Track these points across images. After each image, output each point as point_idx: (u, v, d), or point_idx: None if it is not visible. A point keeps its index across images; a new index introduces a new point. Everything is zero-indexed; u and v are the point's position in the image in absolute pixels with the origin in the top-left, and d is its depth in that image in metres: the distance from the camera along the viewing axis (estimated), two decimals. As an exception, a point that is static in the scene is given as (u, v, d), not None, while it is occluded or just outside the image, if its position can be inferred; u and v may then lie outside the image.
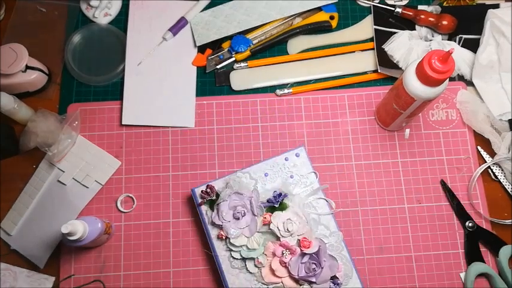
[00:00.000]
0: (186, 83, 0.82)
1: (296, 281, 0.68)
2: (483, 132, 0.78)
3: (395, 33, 0.84)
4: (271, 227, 0.69)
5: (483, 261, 0.73)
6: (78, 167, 0.76)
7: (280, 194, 0.70)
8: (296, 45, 0.85)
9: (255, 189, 0.71)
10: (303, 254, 0.67)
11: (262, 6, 0.84)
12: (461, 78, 0.82)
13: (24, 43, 0.76)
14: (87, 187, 0.76)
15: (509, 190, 0.77)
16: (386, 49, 0.83)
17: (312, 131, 0.79)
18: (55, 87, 0.82)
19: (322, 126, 0.80)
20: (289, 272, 0.67)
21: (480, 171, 0.77)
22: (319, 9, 0.85)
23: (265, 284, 0.68)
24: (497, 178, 0.77)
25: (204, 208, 0.71)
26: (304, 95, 0.81)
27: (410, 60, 0.82)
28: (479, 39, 0.83)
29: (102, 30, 0.84)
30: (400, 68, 0.82)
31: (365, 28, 0.85)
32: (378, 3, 0.86)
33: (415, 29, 0.85)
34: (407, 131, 0.79)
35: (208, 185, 0.71)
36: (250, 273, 0.69)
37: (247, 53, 0.82)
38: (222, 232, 0.69)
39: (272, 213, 0.70)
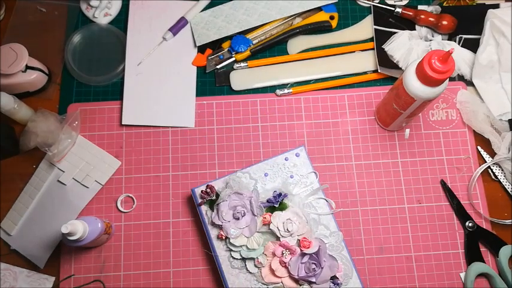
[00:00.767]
0: (186, 83, 0.82)
1: (296, 281, 0.68)
2: (483, 132, 0.78)
3: (395, 33, 0.84)
4: (271, 227, 0.69)
5: (483, 261, 0.73)
6: (78, 167, 0.76)
7: (280, 194, 0.70)
8: (296, 45, 0.85)
9: (254, 189, 0.71)
10: (303, 254, 0.67)
11: (262, 6, 0.84)
12: (461, 78, 0.82)
13: (24, 43, 0.76)
14: (87, 187, 0.76)
15: (509, 190, 0.77)
16: (386, 49, 0.83)
17: (312, 131, 0.79)
18: (55, 87, 0.82)
19: (322, 126, 0.80)
20: (289, 272, 0.67)
21: (480, 171, 0.77)
22: (319, 9, 0.85)
23: (265, 284, 0.68)
24: (497, 178, 0.77)
25: (204, 208, 0.71)
26: (304, 95, 0.81)
27: (410, 60, 0.82)
28: (479, 39, 0.83)
29: (102, 30, 0.84)
30: (400, 68, 0.82)
31: (365, 28, 0.85)
32: (378, 3, 0.86)
33: (415, 29, 0.85)
34: (408, 131, 0.79)
35: (208, 185, 0.71)
36: (250, 273, 0.69)
37: (247, 53, 0.82)
38: (221, 232, 0.69)
39: (272, 213, 0.70)
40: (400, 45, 0.83)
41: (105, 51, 0.83)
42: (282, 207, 0.70)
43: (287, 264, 0.67)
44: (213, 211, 0.70)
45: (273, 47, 0.84)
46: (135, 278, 0.73)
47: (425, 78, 0.62)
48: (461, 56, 0.83)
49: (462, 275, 0.73)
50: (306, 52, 0.84)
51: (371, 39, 0.84)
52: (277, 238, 0.69)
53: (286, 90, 0.81)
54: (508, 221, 0.75)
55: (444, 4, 0.87)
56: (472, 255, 0.73)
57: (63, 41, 0.83)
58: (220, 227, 0.70)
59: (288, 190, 0.71)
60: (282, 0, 0.84)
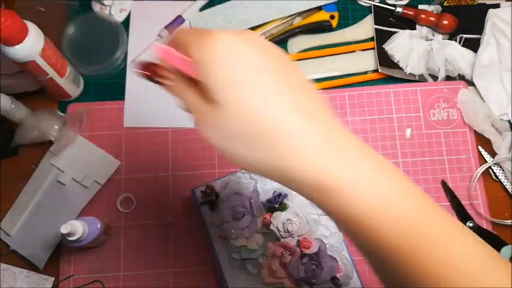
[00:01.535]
0: (186, 83, 0.81)
1: (296, 282, 0.67)
2: (484, 132, 0.78)
3: (395, 32, 0.84)
4: (271, 228, 0.69)
5: (484, 262, 0.73)
6: (78, 167, 0.76)
7: (280, 194, 0.70)
8: (296, 44, 0.84)
9: (254, 190, 0.71)
10: (303, 255, 0.67)
11: (262, 5, 0.84)
12: (462, 77, 0.82)
13: (24, 43, 0.76)
14: (86, 187, 0.75)
15: (510, 190, 0.76)
16: (386, 49, 0.83)
17: (312, 131, 0.79)
18: (54, 87, 0.81)
19: (323, 126, 0.79)
20: (289, 273, 0.67)
21: (481, 172, 0.77)
22: (319, 8, 0.85)
23: (265, 285, 0.68)
24: (498, 178, 0.77)
25: (204, 208, 0.71)
26: (305, 94, 0.81)
27: (410, 59, 0.82)
28: (480, 39, 0.83)
29: (96, 18, 0.83)
30: (401, 68, 0.81)
31: (365, 28, 0.85)
32: (379, 2, 0.86)
33: (415, 29, 0.85)
34: (409, 130, 0.79)
35: (208, 185, 0.71)
36: (251, 274, 0.69)
37: (247, 52, 0.82)
38: (221, 233, 0.69)
39: (272, 213, 0.69)
40: (400, 44, 0.83)
41: (99, 40, 0.82)
42: (282, 207, 0.70)
43: (287, 265, 0.67)
44: (213, 211, 0.70)
45: (273, 47, 0.84)
46: (135, 278, 0.73)
47: None
48: (462, 56, 0.82)
49: (463, 275, 0.73)
50: (306, 52, 0.84)
51: (371, 39, 0.84)
52: (278, 239, 0.69)
53: (286, 90, 0.80)
54: (508, 222, 0.75)
55: (445, 4, 0.86)
56: (473, 256, 0.73)
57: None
58: (220, 228, 0.69)
59: (287, 190, 0.71)
60: (282, 0, 0.84)
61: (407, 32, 0.84)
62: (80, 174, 0.76)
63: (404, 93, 0.81)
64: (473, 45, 0.83)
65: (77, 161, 0.77)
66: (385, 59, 0.82)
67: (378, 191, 0.35)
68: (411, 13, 0.84)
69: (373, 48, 0.83)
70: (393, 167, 0.37)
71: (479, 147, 0.78)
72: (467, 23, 0.84)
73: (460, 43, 0.83)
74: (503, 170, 0.77)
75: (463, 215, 0.75)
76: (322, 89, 0.81)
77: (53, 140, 0.74)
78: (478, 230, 0.74)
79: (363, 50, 0.84)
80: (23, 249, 0.74)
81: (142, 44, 0.83)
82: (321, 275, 0.66)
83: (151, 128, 0.79)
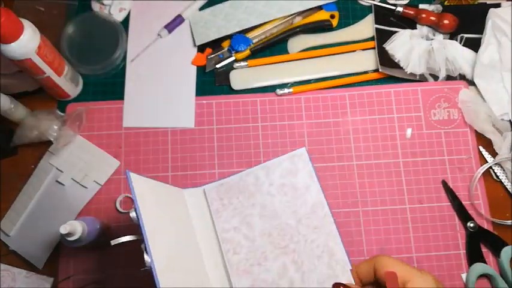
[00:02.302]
0: (185, 83, 0.81)
1: None
2: (485, 132, 0.77)
3: (396, 32, 0.84)
4: None
5: (485, 262, 0.72)
6: (77, 167, 0.76)
7: None
8: (296, 44, 0.84)
9: None
10: None
11: (262, 5, 0.84)
12: (462, 77, 0.82)
13: (23, 42, 0.76)
14: (85, 187, 0.75)
15: (510, 190, 0.76)
16: (387, 48, 0.83)
17: (312, 130, 0.79)
18: (54, 87, 0.81)
19: (323, 126, 0.79)
20: None
21: (482, 172, 0.76)
22: (319, 8, 0.85)
23: None
24: (499, 178, 0.77)
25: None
26: (305, 94, 0.81)
27: (411, 59, 0.82)
28: (480, 38, 0.83)
29: (96, 18, 0.83)
30: (401, 67, 0.81)
31: (366, 27, 0.85)
32: (379, 2, 0.85)
33: (416, 28, 0.84)
34: (409, 130, 0.79)
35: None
36: None
37: (247, 52, 0.82)
38: None
39: None
40: (401, 44, 0.83)
41: (98, 39, 0.82)
42: None
43: None
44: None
45: (273, 46, 0.84)
46: (135, 278, 0.72)
47: None
48: (462, 56, 0.82)
49: (463, 275, 0.73)
50: (306, 51, 0.84)
51: (372, 39, 0.84)
52: None
53: (286, 90, 0.80)
54: (509, 222, 0.74)
55: (445, 3, 0.86)
56: (474, 256, 0.73)
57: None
58: None
59: None
60: (282, -1, 0.84)
61: (407, 31, 0.84)
62: (79, 174, 0.76)
63: (405, 93, 0.81)
64: (474, 45, 0.83)
65: (76, 161, 0.76)
66: (385, 59, 0.82)
67: None
68: (412, 12, 0.83)
69: (374, 48, 0.83)
70: None
71: (480, 147, 0.78)
72: (468, 23, 0.84)
73: (460, 43, 0.83)
74: (504, 170, 0.77)
75: (463, 215, 0.75)
76: (323, 88, 0.81)
77: (52, 139, 0.74)
78: (479, 231, 0.74)
79: (364, 49, 0.84)
80: (22, 250, 0.73)
81: (142, 44, 0.83)
82: None
83: (150, 128, 0.79)
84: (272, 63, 0.83)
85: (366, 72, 0.83)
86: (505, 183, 0.77)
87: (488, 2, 0.86)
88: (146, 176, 0.77)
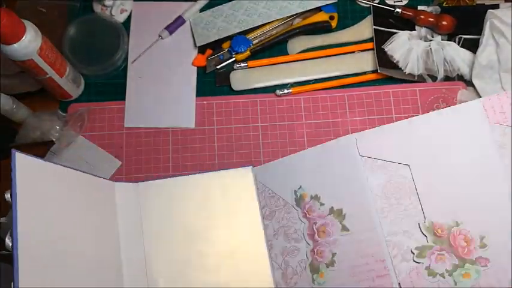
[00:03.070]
0: (186, 84, 0.82)
1: None
2: (483, 132, 0.78)
3: (395, 33, 0.84)
4: None
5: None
6: (79, 167, 0.76)
7: None
8: (296, 45, 0.85)
9: None
10: None
11: (262, 6, 0.84)
12: (461, 78, 0.82)
13: (25, 43, 0.76)
14: (87, 187, 0.76)
15: (508, 190, 0.77)
16: (386, 49, 0.83)
17: (312, 131, 0.79)
18: (55, 88, 0.82)
19: (322, 126, 0.80)
20: None
21: (480, 171, 0.77)
22: (319, 9, 0.85)
23: None
24: (497, 178, 0.77)
25: None
26: (304, 95, 0.81)
27: (409, 60, 0.82)
28: (479, 39, 0.83)
29: (98, 19, 0.84)
30: (400, 68, 0.82)
31: (365, 28, 0.86)
32: (378, 3, 0.86)
33: (414, 29, 0.85)
34: (407, 131, 0.79)
35: None
36: None
37: (247, 53, 0.83)
38: None
39: None
40: (399, 45, 0.83)
41: (100, 40, 0.83)
42: None
43: None
44: None
45: (273, 47, 0.84)
46: (136, 278, 0.73)
47: None
48: (461, 56, 0.83)
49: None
50: (305, 52, 0.84)
51: (371, 40, 0.85)
52: None
53: (286, 90, 0.81)
54: (507, 221, 0.75)
55: (444, 4, 0.87)
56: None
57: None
58: None
59: None
60: (282, 1, 0.84)
61: (406, 32, 0.84)
62: (81, 174, 0.76)
63: (403, 93, 0.81)
64: (472, 46, 0.83)
65: (78, 161, 0.77)
66: (384, 60, 0.82)
67: None
68: (410, 14, 0.84)
69: (373, 49, 0.84)
70: None
71: (478, 147, 0.79)
72: (466, 24, 0.84)
73: (459, 44, 0.84)
74: (502, 170, 0.77)
75: (462, 215, 0.75)
76: (322, 89, 0.82)
77: (54, 140, 0.74)
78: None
79: (363, 50, 0.84)
80: (24, 249, 0.74)
81: (143, 45, 0.83)
82: None
83: (152, 128, 0.80)
84: (272, 64, 0.83)
85: (364, 73, 0.83)
86: (503, 183, 0.77)
87: (486, 3, 0.86)
88: (147, 175, 0.77)
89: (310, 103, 0.81)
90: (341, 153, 0.72)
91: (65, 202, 0.60)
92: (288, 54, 0.84)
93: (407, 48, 0.83)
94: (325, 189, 0.71)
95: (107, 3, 0.83)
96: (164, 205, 0.72)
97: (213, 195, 0.72)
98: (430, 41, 0.84)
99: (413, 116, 0.80)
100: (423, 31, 0.85)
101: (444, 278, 0.63)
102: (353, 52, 0.84)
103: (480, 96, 0.80)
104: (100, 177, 0.69)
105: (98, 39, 0.83)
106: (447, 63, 0.83)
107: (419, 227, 0.66)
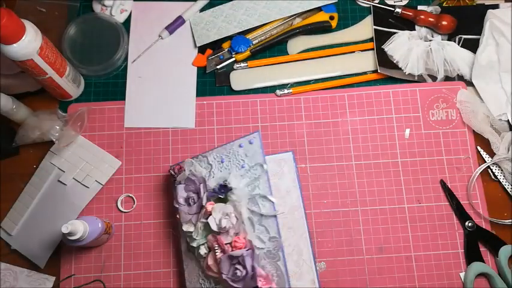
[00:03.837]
0: (186, 84, 0.82)
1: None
2: (483, 132, 0.78)
3: (395, 33, 0.84)
4: (208, 220, 0.64)
5: (483, 261, 0.73)
6: (79, 167, 0.77)
7: (223, 186, 0.65)
8: (296, 45, 0.85)
9: (204, 176, 0.67)
10: (231, 256, 0.62)
11: (262, 6, 0.84)
12: (461, 78, 0.82)
13: (25, 43, 0.76)
14: (87, 187, 0.76)
15: (508, 190, 0.77)
16: (386, 49, 0.83)
17: (312, 131, 0.79)
18: (55, 87, 0.82)
19: (322, 126, 0.80)
20: (219, 270, 0.63)
21: (480, 171, 0.77)
22: (319, 9, 0.85)
23: (206, 277, 0.66)
24: (497, 178, 0.77)
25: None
26: (304, 95, 0.81)
27: (409, 60, 0.82)
28: (478, 39, 0.83)
29: (97, 19, 0.84)
30: (400, 68, 0.82)
31: (365, 28, 0.86)
32: (378, 3, 0.86)
33: (414, 29, 0.85)
34: (408, 130, 0.79)
35: (178, 164, 0.69)
36: (199, 261, 0.67)
37: (247, 53, 0.83)
38: (177, 215, 0.68)
39: (216, 203, 0.66)
40: (399, 45, 0.83)
41: (100, 40, 0.83)
42: (225, 199, 0.66)
43: (218, 261, 0.63)
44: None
45: (273, 47, 0.84)
46: (136, 278, 0.73)
47: None
48: (461, 56, 0.83)
49: (462, 274, 0.73)
50: (305, 52, 0.84)
51: (371, 40, 0.85)
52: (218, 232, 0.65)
53: (286, 91, 0.81)
54: (507, 221, 0.75)
55: (444, 4, 0.87)
56: (472, 255, 0.73)
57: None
58: (177, 210, 0.68)
59: (233, 181, 0.66)
60: (282, 1, 0.84)
61: (406, 32, 0.84)
62: (81, 174, 0.76)
63: (403, 93, 0.81)
64: (472, 46, 0.83)
65: (78, 161, 0.77)
66: (384, 60, 0.82)
67: None
68: (410, 14, 0.84)
69: (373, 49, 0.84)
70: None
71: (478, 147, 0.79)
72: (466, 24, 0.84)
73: (459, 44, 0.84)
74: (502, 170, 0.77)
75: (461, 215, 0.75)
76: (322, 89, 0.82)
77: (54, 140, 0.74)
78: (477, 230, 0.74)
79: (363, 50, 0.84)
80: (24, 249, 0.74)
81: (143, 45, 0.83)
82: (245, 281, 0.61)
83: (151, 128, 0.80)
84: (272, 64, 0.83)
85: (364, 73, 0.83)
86: (503, 183, 0.77)
87: (486, 3, 0.86)
88: (147, 175, 0.77)
89: (310, 103, 0.81)
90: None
91: None
92: (288, 54, 0.84)
93: (407, 48, 0.83)
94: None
95: (107, 3, 0.83)
96: None
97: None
98: (430, 41, 0.84)
99: (413, 115, 0.80)
100: (423, 31, 0.85)
101: None
102: (353, 52, 0.84)
103: (480, 96, 0.80)
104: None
105: (97, 39, 0.83)
106: (447, 63, 0.83)
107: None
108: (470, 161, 0.78)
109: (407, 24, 0.85)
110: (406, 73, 0.82)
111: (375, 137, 0.79)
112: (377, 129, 0.80)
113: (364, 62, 0.83)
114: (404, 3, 0.87)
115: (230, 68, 0.83)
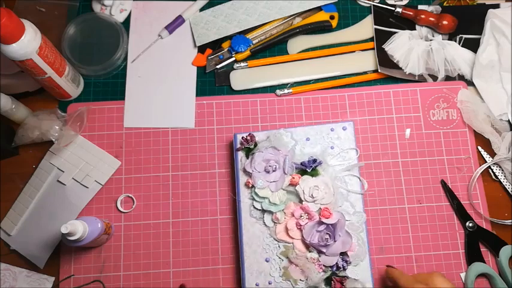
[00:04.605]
0: (186, 84, 0.82)
1: (306, 246, 0.70)
2: (483, 132, 0.78)
3: (395, 33, 0.84)
4: (296, 188, 0.71)
5: (483, 262, 0.73)
6: (78, 167, 0.76)
7: (315, 160, 0.72)
8: (296, 45, 0.84)
9: (292, 149, 0.73)
10: (320, 223, 0.69)
11: (262, 6, 0.84)
12: (461, 77, 0.82)
13: (24, 43, 0.76)
14: (87, 187, 0.76)
15: (509, 190, 0.77)
16: (386, 49, 0.83)
17: (312, 131, 0.79)
18: (55, 87, 0.82)
19: (322, 126, 0.80)
20: (302, 236, 0.69)
21: (480, 171, 0.77)
22: (319, 9, 0.85)
23: (276, 240, 0.70)
24: (498, 178, 0.77)
25: (241, 154, 0.74)
26: (304, 95, 0.81)
27: (410, 60, 0.82)
28: (479, 39, 0.83)
29: (97, 19, 0.83)
30: (400, 68, 0.82)
31: (365, 28, 0.85)
32: (378, 3, 0.86)
33: (415, 29, 0.85)
34: (408, 130, 0.79)
35: (250, 134, 0.74)
36: (266, 226, 0.71)
37: (247, 53, 0.82)
38: (250, 180, 0.72)
39: (302, 176, 0.72)
40: (400, 45, 0.83)
41: (100, 40, 0.82)
42: (313, 173, 0.72)
43: (302, 227, 0.69)
44: (247, 159, 0.73)
45: (273, 47, 0.84)
46: (135, 278, 0.73)
47: None
48: (461, 56, 0.83)
49: (462, 275, 0.73)
50: (306, 52, 0.84)
51: (371, 39, 0.84)
52: (300, 201, 0.71)
53: (286, 90, 0.81)
54: (508, 221, 0.75)
55: (444, 4, 0.87)
56: (472, 256, 0.73)
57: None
58: (249, 175, 0.72)
59: (324, 159, 0.73)
60: (282, 0, 0.84)
61: (407, 32, 0.84)
62: (81, 174, 0.76)
63: (404, 93, 0.81)
64: (472, 46, 0.83)
65: (78, 161, 0.77)
66: (384, 59, 0.82)
67: None
68: (411, 13, 0.84)
69: (373, 49, 0.83)
70: None
71: (479, 147, 0.79)
72: (466, 23, 0.84)
73: (459, 43, 0.84)
74: (502, 170, 0.77)
75: (462, 215, 0.75)
76: (322, 89, 0.82)
77: (53, 140, 0.74)
78: (478, 230, 0.74)
79: (363, 50, 0.84)
80: (24, 249, 0.74)
81: (143, 44, 0.83)
82: (332, 247, 0.68)
83: (151, 128, 0.79)
84: (272, 64, 0.83)
85: (365, 73, 0.83)
86: (504, 183, 0.77)
87: (487, 3, 0.86)
88: (147, 175, 0.77)
89: (311, 103, 0.81)
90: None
91: None
92: (288, 54, 0.84)
93: (408, 47, 0.83)
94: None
95: (107, 2, 0.83)
96: None
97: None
98: (431, 40, 0.84)
99: (414, 115, 0.80)
100: (424, 31, 0.85)
101: None
102: (353, 52, 0.84)
103: (481, 96, 0.80)
104: None
105: (97, 39, 0.83)
106: (448, 63, 0.82)
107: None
108: (470, 161, 0.78)
109: (408, 23, 0.85)
110: (407, 73, 0.82)
111: (376, 137, 0.79)
112: (377, 129, 0.79)
113: (365, 61, 0.83)
114: (404, 2, 0.87)
115: (230, 67, 0.83)
